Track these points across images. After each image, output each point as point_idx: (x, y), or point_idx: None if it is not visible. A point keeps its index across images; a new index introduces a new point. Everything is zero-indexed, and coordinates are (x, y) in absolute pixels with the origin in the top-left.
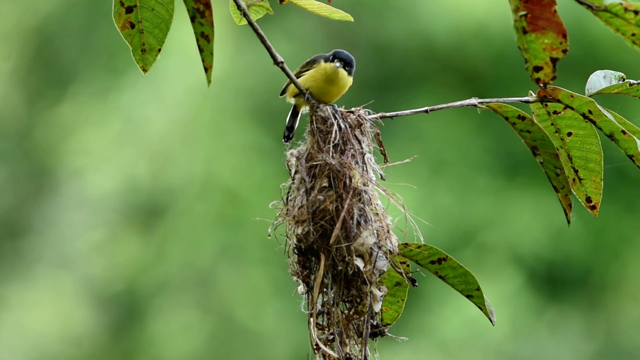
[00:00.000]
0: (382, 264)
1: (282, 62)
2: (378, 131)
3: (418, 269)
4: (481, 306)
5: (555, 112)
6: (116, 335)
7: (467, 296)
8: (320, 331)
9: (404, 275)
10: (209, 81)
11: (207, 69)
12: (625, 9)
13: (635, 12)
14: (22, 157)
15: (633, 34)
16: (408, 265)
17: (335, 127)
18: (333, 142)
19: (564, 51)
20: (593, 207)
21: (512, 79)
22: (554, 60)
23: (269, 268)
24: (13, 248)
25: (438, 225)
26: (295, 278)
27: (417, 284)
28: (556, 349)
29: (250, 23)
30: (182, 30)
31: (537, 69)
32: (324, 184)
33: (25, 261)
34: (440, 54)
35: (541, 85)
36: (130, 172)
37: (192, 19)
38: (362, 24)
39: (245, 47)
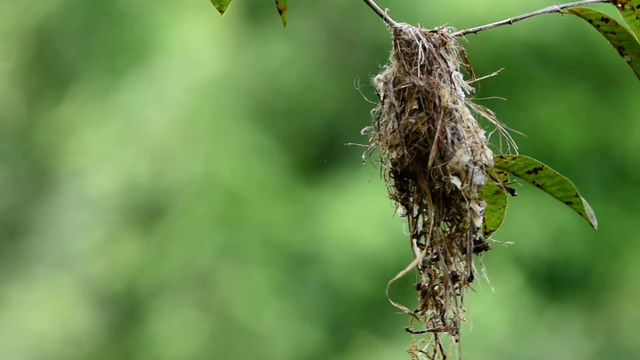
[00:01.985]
0: (479, 178)
1: None
2: (463, 48)
3: (515, 180)
4: (581, 211)
5: (639, 7)
6: (116, 335)
7: (567, 202)
8: (423, 252)
9: (501, 185)
10: (284, 22)
11: (281, 11)
12: None
13: None
14: (22, 157)
15: None
16: (506, 174)
17: (420, 48)
18: (419, 63)
19: None
20: None
21: (512, 79)
22: None
23: (269, 268)
24: (13, 248)
25: None
26: (393, 202)
27: (516, 194)
28: (556, 349)
29: None
30: (182, 30)
31: None
32: (414, 107)
33: (25, 261)
34: None
35: (619, 5)
36: (130, 172)
37: None
38: (362, 23)
39: (245, 47)
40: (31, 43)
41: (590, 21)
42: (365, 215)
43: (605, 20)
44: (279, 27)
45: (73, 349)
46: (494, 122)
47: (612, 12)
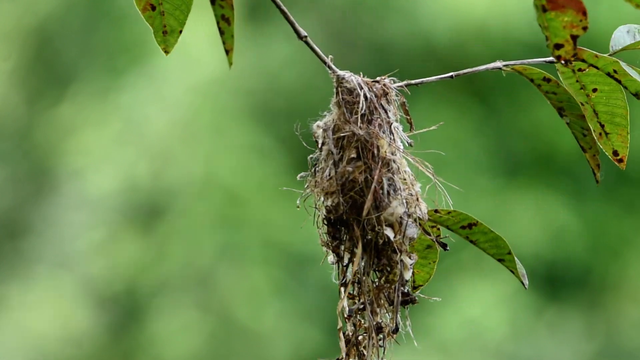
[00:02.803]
0: (412, 231)
1: (305, 37)
2: (404, 100)
3: (448, 235)
4: (513, 270)
5: (580, 70)
6: (116, 335)
7: (499, 260)
8: (350, 300)
9: (434, 239)
10: (231, 63)
11: (227, 51)
12: None
13: None
14: (22, 157)
15: None
16: (439, 229)
17: (362, 97)
18: (360, 112)
19: (584, 28)
20: (620, 161)
21: (512, 79)
22: (574, 38)
23: (269, 268)
24: (13, 248)
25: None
26: (325, 249)
27: (448, 248)
28: (556, 349)
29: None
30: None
31: (558, 46)
32: (353, 155)
33: (25, 261)
34: (440, 54)
35: (562, 62)
36: (130, 172)
37: (212, 2)
38: (362, 24)
39: (245, 47)
40: (31, 43)
41: (532, 80)
42: None
43: (547, 80)
44: (279, 27)
45: (73, 349)
46: (430, 176)
47: (554, 72)
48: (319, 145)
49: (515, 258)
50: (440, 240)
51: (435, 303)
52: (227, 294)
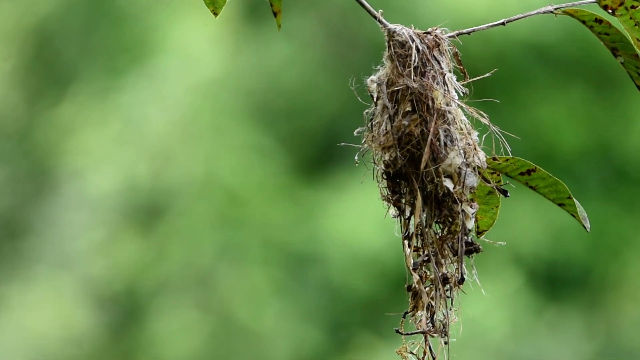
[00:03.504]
0: (472, 180)
1: None
2: (456, 50)
3: (508, 182)
4: (574, 213)
5: (633, 7)
6: (116, 335)
7: (559, 204)
8: (415, 253)
9: (494, 187)
10: (279, 25)
11: (275, 13)
12: None
13: None
14: (22, 157)
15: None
16: (499, 175)
17: (414, 49)
18: (413, 64)
19: None
20: None
21: (512, 79)
22: None
23: (269, 268)
24: (13, 248)
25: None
26: (385, 203)
27: (509, 195)
28: (556, 349)
29: None
30: (182, 30)
31: None
32: (408, 109)
33: (25, 261)
34: None
35: (609, 11)
36: (130, 172)
37: None
38: (362, 23)
39: (245, 47)
40: (31, 43)
41: (584, 22)
42: (365, 215)
43: (599, 21)
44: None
45: (73, 349)
46: (487, 124)
47: (606, 13)
48: (374, 100)
49: (576, 201)
50: (501, 187)
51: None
52: (227, 294)
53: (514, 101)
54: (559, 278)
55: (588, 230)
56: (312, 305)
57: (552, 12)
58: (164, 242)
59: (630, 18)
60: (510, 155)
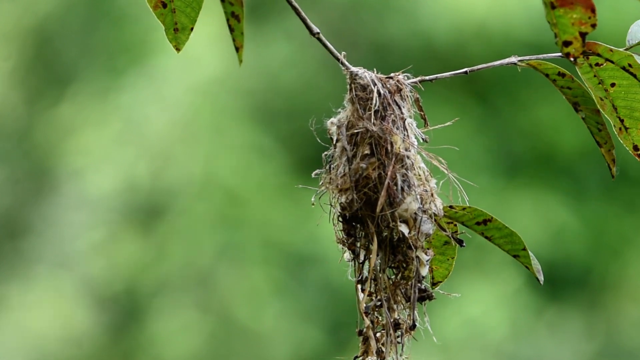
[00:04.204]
0: (427, 227)
1: (318, 33)
2: (417, 96)
3: (464, 231)
4: (528, 265)
5: (597, 64)
6: (116, 335)
7: (514, 256)
8: (367, 297)
9: (450, 235)
10: (241, 61)
11: (238, 49)
12: None
13: None
14: (22, 157)
15: None
16: (455, 225)
17: (375, 93)
18: (374, 108)
19: (593, 25)
20: None
21: (512, 79)
22: (582, 35)
23: (269, 268)
24: (13, 248)
25: None
26: (340, 246)
27: (464, 244)
28: (556, 349)
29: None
30: None
31: (567, 43)
32: (366, 152)
33: (25, 261)
34: (441, 53)
35: (571, 59)
36: (130, 172)
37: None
38: (362, 23)
39: (245, 47)
40: (31, 43)
41: (547, 75)
42: None
43: (562, 75)
44: (279, 27)
45: (73, 349)
46: (445, 171)
47: (570, 65)
48: (334, 142)
49: (531, 253)
50: (457, 236)
51: (435, 302)
52: (227, 294)
53: (514, 101)
54: (559, 278)
55: (541, 283)
56: (312, 305)
57: (515, 64)
58: (163, 242)
59: (595, 76)
60: (467, 204)
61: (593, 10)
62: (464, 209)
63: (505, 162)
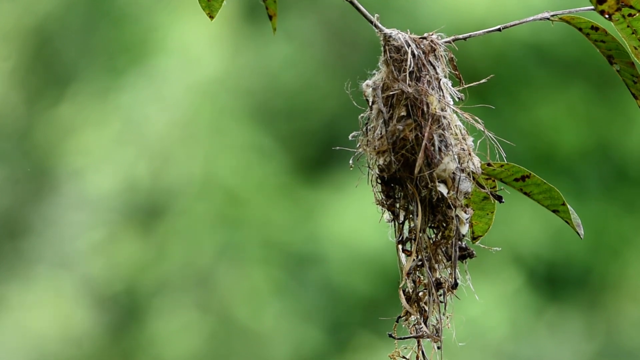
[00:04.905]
0: (466, 186)
1: None
2: (452, 55)
3: (502, 187)
4: (568, 220)
5: (630, 15)
6: (116, 335)
7: (554, 211)
8: (409, 257)
9: (489, 192)
10: (274, 28)
11: (271, 17)
12: None
13: None
14: (22, 157)
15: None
16: (494, 181)
17: (409, 54)
18: (408, 69)
19: None
20: None
21: (512, 79)
22: None
23: (269, 268)
24: (13, 248)
25: None
26: (379, 207)
27: (503, 200)
28: (556, 349)
29: None
30: (182, 30)
31: (601, 1)
32: (402, 113)
33: (25, 261)
34: None
35: (606, 16)
36: (130, 172)
37: None
38: (362, 23)
39: (245, 47)
40: (31, 43)
41: (580, 29)
42: (365, 215)
43: (595, 28)
44: (279, 27)
45: (73, 349)
46: (482, 130)
47: (603, 20)
48: (369, 104)
49: (570, 208)
50: (495, 192)
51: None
52: (227, 294)
53: (514, 101)
54: (559, 278)
55: (581, 236)
56: (312, 305)
57: (548, 19)
58: (163, 242)
59: (628, 26)
60: (505, 161)
61: None
62: (501, 165)
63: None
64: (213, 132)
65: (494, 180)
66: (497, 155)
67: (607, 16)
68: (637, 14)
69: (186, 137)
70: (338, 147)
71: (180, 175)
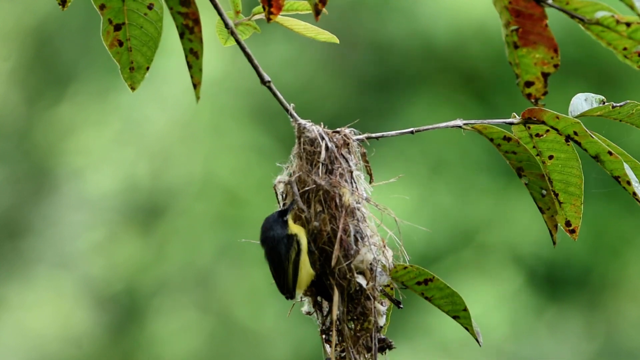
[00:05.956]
0: (382, 278)
1: (269, 82)
2: (364, 151)
3: (403, 296)
4: (468, 327)
5: (537, 135)
6: (116, 335)
7: (454, 317)
8: (332, 347)
9: (388, 296)
10: (198, 97)
11: (195, 85)
12: (617, 22)
13: (628, 25)
14: (22, 157)
15: (625, 48)
16: (392, 288)
17: (323, 147)
18: (322, 162)
19: (555, 66)
20: (572, 232)
21: (512, 79)
22: (545, 75)
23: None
24: (13, 248)
25: (438, 225)
26: (303, 297)
27: (402, 306)
28: (556, 349)
29: (238, 42)
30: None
31: (529, 84)
32: (319, 209)
33: (25, 261)
34: (440, 53)
35: (532, 100)
36: (130, 172)
37: (181, 36)
38: (362, 23)
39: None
40: (30, 43)
41: (491, 140)
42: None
43: (507, 139)
44: (278, 28)
45: (73, 349)
46: (385, 229)
47: (516, 131)
48: (282, 199)
49: (471, 315)
50: (393, 297)
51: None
52: (226, 294)
53: (514, 101)
54: (559, 278)
55: (480, 345)
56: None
57: (460, 127)
58: (163, 242)
59: (534, 147)
60: (408, 263)
61: (556, 50)
62: (405, 267)
63: (505, 162)
64: (212, 132)
65: (392, 288)
66: (401, 259)
67: (533, 101)
68: (545, 135)
69: (186, 137)
70: (243, 240)
71: (180, 175)
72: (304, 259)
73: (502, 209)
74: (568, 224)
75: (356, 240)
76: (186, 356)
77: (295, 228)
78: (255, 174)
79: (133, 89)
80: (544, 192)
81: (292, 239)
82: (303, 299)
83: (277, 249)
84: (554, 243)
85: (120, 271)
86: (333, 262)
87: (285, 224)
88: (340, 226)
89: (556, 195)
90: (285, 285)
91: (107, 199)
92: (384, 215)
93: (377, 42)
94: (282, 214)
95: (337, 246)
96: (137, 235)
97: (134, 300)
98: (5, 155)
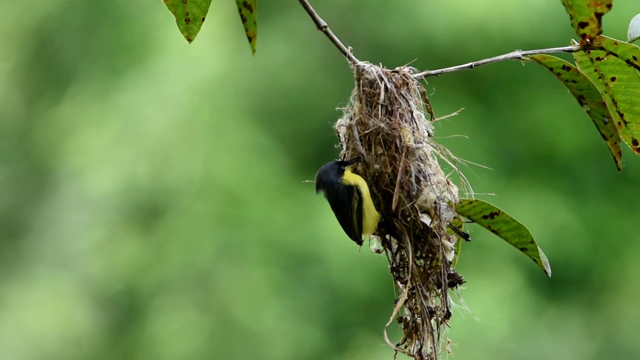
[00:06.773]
0: (448, 215)
1: (325, 27)
2: (424, 89)
3: (469, 228)
4: (536, 258)
5: (598, 59)
6: (116, 335)
7: (521, 249)
8: (403, 285)
9: (456, 230)
10: (254, 50)
11: (250, 38)
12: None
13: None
14: (22, 157)
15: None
16: (459, 220)
17: (382, 88)
18: (382, 103)
19: (608, 6)
20: None
21: (512, 79)
22: (598, 15)
23: (268, 268)
24: (13, 248)
25: None
26: (373, 237)
27: (470, 239)
28: (556, 349)
29: None
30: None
31: (582, 24)
32: (379, 151)
33: (25, 261)
34: (440, 53)
35: (587, 40)
36: (130, 172)
37: None
38: (362, 23)
39: (245, 47)
40: (31, 43)
41: (551, 69)
42: None
43: (567, 68)
44: (279, 27)
45: (73, 349)
46: (451, 165)
47: (573, 60)
48: (345, 143)
49: (538, 247)
50: (461, 230)
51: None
52: (226, 294)
53: (514, 101)
54: (559, 278)
55: (549, 275)
56: (312, 305)
57: (519, 58)
58: (163, 242)
59: (595, 70)
60: (473, 198)
61: None
62: (470, 202)
63: (505, 162)
64: (212, 132)
65: (459, 220)
66: (466, 193)
67: (588, 40)
68: (605, 58)
69: (186, 137)
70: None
71: (180, 175)
72: (367, 204)
73: (502, 208)
74: (635, 142)
75: (418, 180)
76: (186, 356)
77: (352, 178)
78: (255, 174)
79: (190, 40)
80: (606, 119)
81: (352, 189)
82: (372, 238)
83: (340, 200)
84: (619, 169)
85: (120, 271)
86: (394, 205)
87: (341, 172)
88: (400, 168)
89: (621, 115)
90: (352, 232)
91: (107, 199)
92: (445, 154)
93: (377, 42)
94: (342, 164)
95: (397, 189)
96: (137, 235)
97: (134, 300)
98: (5, 155)
